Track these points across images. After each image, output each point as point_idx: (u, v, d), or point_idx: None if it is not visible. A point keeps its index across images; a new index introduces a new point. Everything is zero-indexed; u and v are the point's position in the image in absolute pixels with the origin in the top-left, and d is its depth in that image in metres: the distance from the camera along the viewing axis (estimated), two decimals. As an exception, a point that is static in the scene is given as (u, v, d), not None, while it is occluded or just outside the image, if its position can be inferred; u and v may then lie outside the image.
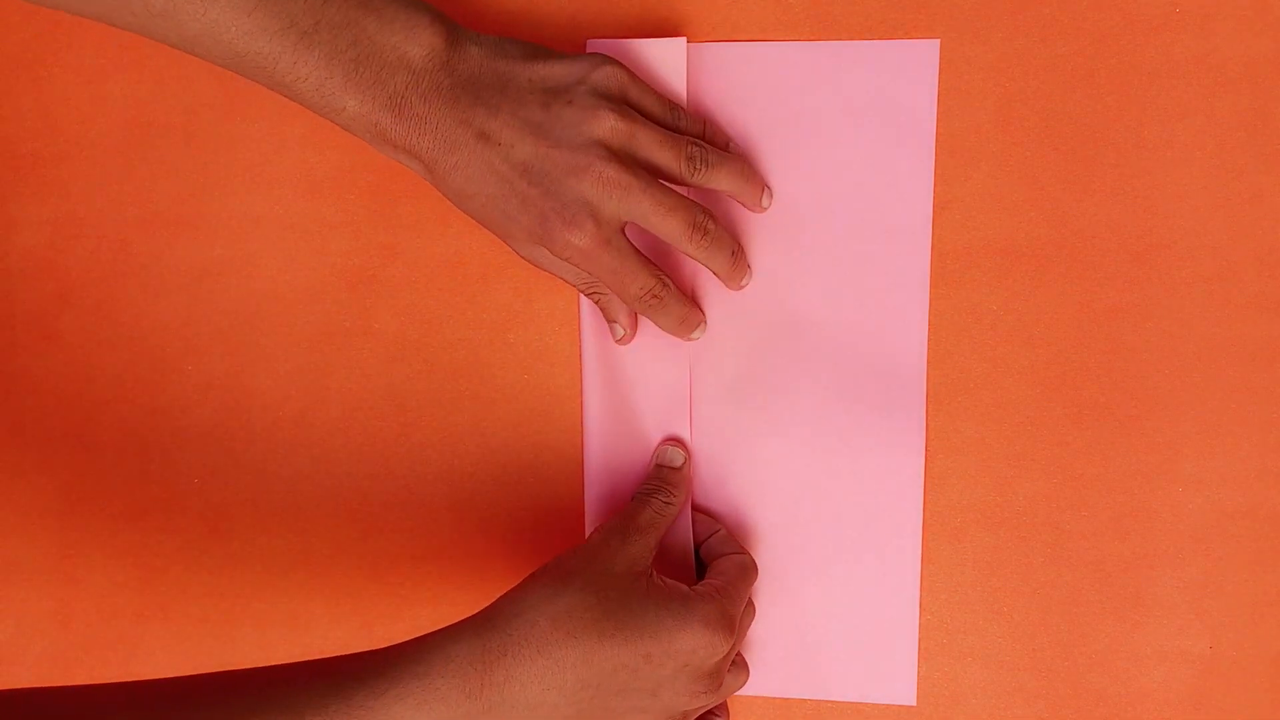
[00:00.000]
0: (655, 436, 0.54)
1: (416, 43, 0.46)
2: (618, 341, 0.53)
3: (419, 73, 0.46)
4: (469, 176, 0.48)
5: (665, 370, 0.54)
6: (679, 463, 0.53)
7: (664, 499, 0.51)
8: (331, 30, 0.45)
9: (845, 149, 0.53)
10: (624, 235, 0.50)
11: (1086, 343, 0.53)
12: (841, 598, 0.53)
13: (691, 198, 0.50)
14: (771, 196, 0.54)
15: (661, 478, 0.52)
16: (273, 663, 0.55)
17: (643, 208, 0.49)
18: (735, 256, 0.52)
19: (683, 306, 0.52)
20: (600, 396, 0.54)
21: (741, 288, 0.54)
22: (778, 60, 0.53)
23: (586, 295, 0.52)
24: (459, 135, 0.47)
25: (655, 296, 0.51)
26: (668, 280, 0.51)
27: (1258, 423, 0.52)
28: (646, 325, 0.53)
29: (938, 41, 0.52)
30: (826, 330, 0.53)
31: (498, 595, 0.54)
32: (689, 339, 0.54)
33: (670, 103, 0.51)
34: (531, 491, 0.55)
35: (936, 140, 0.52)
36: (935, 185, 0.52)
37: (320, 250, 0.53)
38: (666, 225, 0.49)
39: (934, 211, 0.52)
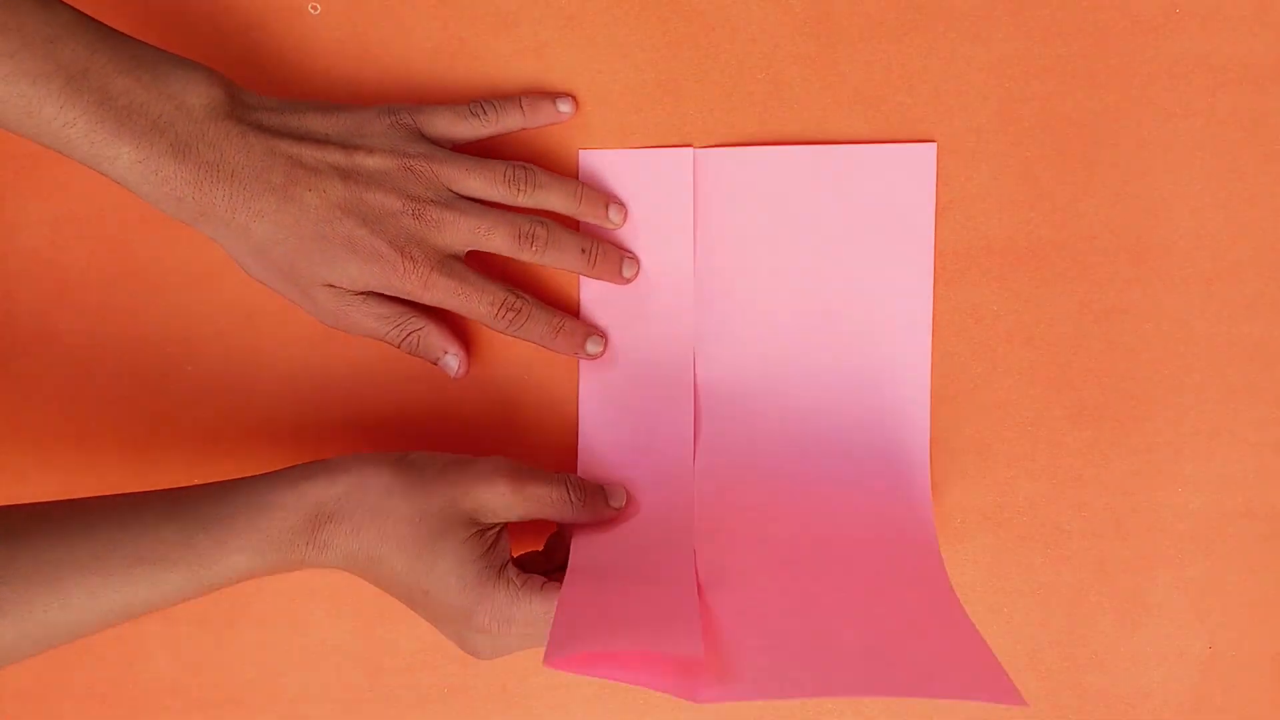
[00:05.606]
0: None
1: (195, 93, 0.46)
2: (454, 375, 0.52)
3: (202, 121, 0.46)
4: (279, 223, 0.47)
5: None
6: (617, 503, 0.51)
7: (568, 496, 0.49)
8: (102, 77, 0.44)
9: (845, 247, 0.53)
10: (460, 260, 0.50)
11: (1086, 343, 0.53)
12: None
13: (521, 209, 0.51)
14: (622, 212, 0.53)
15: (587, 494, 0.50)
16: (271, 663, 0.55)
17: (464, 234, 0.50)
18: (588, 254, 0.52)
19: (550, 315, 0.52)
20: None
21: (625, 280, 0.53)
22: (776, 164, 0.53)
23: (401, 345, 0.51)
24: (261, 184, 0.47)
25: (510, 309, 0.51)
26: (521, 293, 0.51)
27: (1258, 423, 0.52)
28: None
29: (934, 145, 0.52)
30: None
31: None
32: (582, 354, 0.53)
33: (469, 110, 0.51)
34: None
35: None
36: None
37: (320, 250, 0.53)
38: (494, 243, 0.50)
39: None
